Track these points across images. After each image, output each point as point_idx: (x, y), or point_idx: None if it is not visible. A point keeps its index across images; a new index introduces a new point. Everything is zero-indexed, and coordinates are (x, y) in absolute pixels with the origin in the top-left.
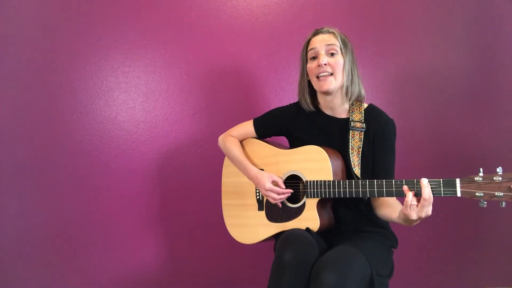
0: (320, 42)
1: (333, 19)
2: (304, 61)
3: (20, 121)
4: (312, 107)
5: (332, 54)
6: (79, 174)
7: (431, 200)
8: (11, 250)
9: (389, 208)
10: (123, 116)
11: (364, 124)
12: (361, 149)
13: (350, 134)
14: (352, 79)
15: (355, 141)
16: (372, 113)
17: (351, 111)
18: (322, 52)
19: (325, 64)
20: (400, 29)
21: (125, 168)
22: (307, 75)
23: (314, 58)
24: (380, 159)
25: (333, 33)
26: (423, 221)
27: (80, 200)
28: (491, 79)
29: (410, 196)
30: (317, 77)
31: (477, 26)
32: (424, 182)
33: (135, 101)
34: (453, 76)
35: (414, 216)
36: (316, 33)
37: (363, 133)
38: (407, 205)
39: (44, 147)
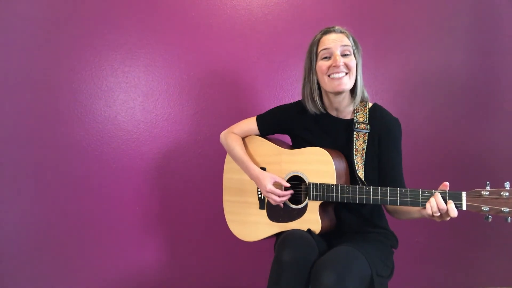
0: (335, 42)
1: (333, 19)
2: (314, 60)
3: (20, 121)
4: (322, 109)
5: (346, 55)
6: (79, 174)
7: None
8: (11, 250)
9: (403, 211)
10: (123, 116)
11: (368, 126)
12: (365, 151)
13: (354, 136)
14: (361, 77)
15: (359, 143)
16: (376, 114)
17: (355, 112)
18: (338, 52)
19: (341, 65)
20: (402, 29)
21: (125, 168)
22: (316, 74)
23: (326, 58)
24: (388, 159)
25: (345, 33)
26: (424, 222)
27: (80, 200)
28: (494, 80)
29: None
30: (329, 76)
31: (479, 27)
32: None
33: (135, 101)
34: (456, 77)
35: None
36: (328, 31)
37: (367, 134)
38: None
39: (44, 147)
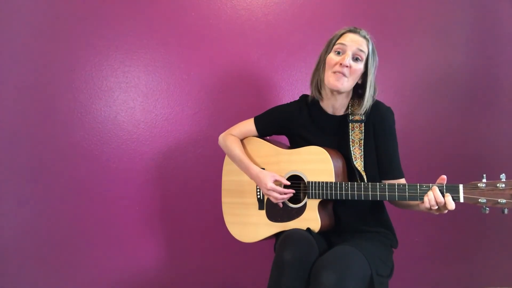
0: (352, 42)
1: (333, 20)
2: (329, 50)
3: (20, 121)
4: (319, 96)
5: (357, 59)
6: (79, 174)
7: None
8: (11, 250)
9: (402, 203)
10: (123, 116)
11: (363, 116)
12: (362, 141)
13: (350, 127)
14: (374, 90)
15: (356, 134)
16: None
17: (350, 105)
18: (350, 53)
19: (346, 66)
20: (401, 30)
21: (125, 168)
22: (324, 64)
23: (339, 52)
24: (384, 147)
25: (368, 40)
26: (423, 220)
27: (80, 200)
28: (494, 80)
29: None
30: (333, 72)
31: (479, 27)
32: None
33: (135, 101)
34: (455, 78)
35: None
36: (353, 31)
37: (363, 125)
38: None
39: (44, 147)
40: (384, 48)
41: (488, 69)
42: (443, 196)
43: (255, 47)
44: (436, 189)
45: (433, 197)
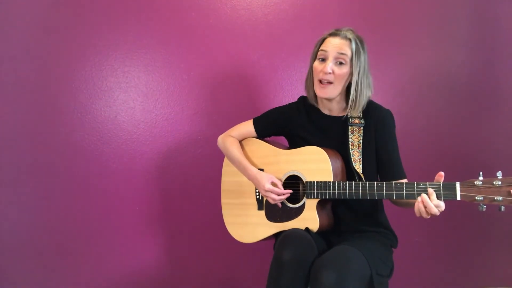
0: (333, 47)
1: (333, 20)
2: (313, 57)
3: (20, 121)
4: (314, 102)
5: (340, 63)
6: (79, 174)
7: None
8: (11, 250)
9: (400, 202)
10: (123, 116)
11: (362, 120)
12: (361, 144)
13: (350, 130)
14: (360, 90)
15: (355, 137)
16: (369, 108)
17: (349, 108)
18: (331, 58)
19: (329, 73)
20: (401, 29)
21: (125, 168)
22: (312, 72)
23: (322, 59)
24: (385, 150)
25: (350, 40)
26: (423, 220)
27: (80, 200)
28: (493, 80)
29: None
30: (319, 81)
31: (479, 27)
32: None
33: (135, 101)
34: (454, 77)
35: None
36: (334, 34)
37: (362, 128)
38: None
39: (44, 147)
40: (384, 48)
41: (487, 69)
42: (430, 199)
43: (255, 47)
44: (424, 202)
45: (423, 208)
